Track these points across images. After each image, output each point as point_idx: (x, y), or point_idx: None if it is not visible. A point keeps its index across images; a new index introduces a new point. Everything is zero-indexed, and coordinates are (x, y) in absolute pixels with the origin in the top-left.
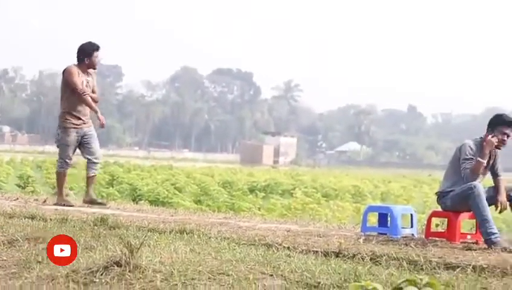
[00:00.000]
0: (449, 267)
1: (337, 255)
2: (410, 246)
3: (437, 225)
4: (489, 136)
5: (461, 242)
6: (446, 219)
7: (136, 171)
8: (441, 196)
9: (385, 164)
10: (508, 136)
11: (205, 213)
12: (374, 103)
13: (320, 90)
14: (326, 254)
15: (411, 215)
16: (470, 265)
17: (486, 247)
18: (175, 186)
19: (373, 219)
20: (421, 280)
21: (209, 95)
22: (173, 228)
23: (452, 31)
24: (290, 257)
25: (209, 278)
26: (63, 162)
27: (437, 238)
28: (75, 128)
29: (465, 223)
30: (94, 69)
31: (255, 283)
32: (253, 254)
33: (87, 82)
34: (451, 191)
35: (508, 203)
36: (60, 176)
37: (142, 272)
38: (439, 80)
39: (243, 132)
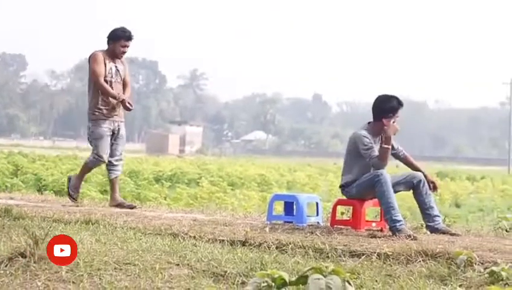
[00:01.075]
0: (354, 254)
1: (243, 244)
2: (316, 234)
3: (342, 213)
4: (391, 121)
5: (366, 230)
6: (351, 207)
7: (41, 161)
8: (345, 186)
9: (291, 153)
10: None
11: None
12: (279, 92)
13: (226, 78)
14: (232, 243)
15: (316, 203)
16: (375, 252)
17: (391, 234)
18: None
19: (279, 208)
20: (326, 267)
21: None
22: (78, 218)
23: (355, 19)
24: (196, 246)
25: (115, 269)
26: (95, 159)
27: (342, 226)
28: (106, 119)
29: (370, 211)
30: (118, 58)
31: (161, 273)
32: (159, 243)
33: (117, 69)
34: (355, 180)
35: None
36: (86, 167)
37: (48, 263)
38: (344, 69)
39: (149, 121)
